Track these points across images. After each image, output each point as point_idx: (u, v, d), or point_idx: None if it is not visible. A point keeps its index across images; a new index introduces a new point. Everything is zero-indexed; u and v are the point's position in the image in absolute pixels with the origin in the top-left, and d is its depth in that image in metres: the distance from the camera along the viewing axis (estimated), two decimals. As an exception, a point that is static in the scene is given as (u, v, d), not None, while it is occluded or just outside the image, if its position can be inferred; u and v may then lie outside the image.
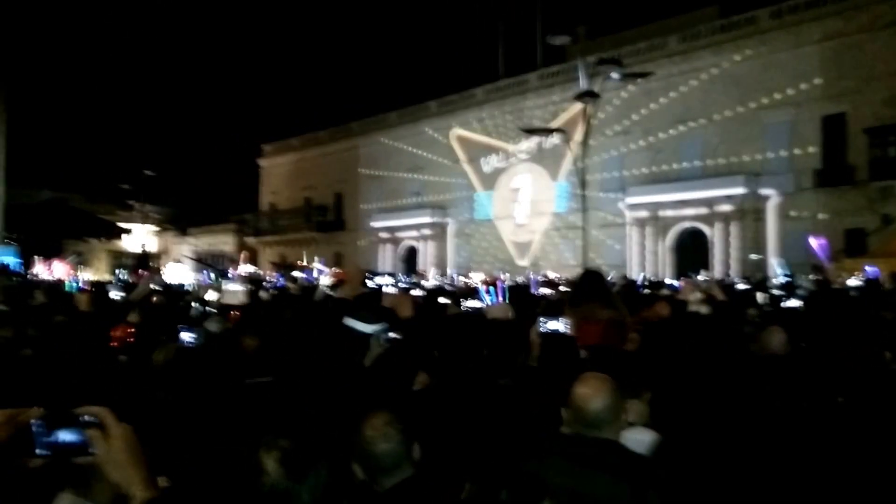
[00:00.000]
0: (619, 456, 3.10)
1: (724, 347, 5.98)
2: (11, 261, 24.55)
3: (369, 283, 7.27)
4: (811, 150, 36.44)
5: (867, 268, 20.62)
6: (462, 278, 29.19)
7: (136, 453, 2.00)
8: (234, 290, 9.46)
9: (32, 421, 1.87)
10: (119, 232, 37.87)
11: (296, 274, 25.40)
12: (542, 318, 5.70)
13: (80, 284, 20.84)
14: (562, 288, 18.51)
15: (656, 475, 3.10)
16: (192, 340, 7.02)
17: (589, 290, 6.75)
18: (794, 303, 12.91)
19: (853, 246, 30.79)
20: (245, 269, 30.31)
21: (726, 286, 16.32)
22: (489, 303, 10.33)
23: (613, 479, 3.00)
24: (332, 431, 2.39)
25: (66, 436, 1.90)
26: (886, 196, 33.54)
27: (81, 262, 43.51)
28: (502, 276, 28.46)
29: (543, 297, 13.03)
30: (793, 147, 37.07)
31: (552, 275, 29.52)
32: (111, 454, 1.94)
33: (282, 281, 23.33)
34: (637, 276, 32.13)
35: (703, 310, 8.07)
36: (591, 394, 3.23)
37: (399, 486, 2.97)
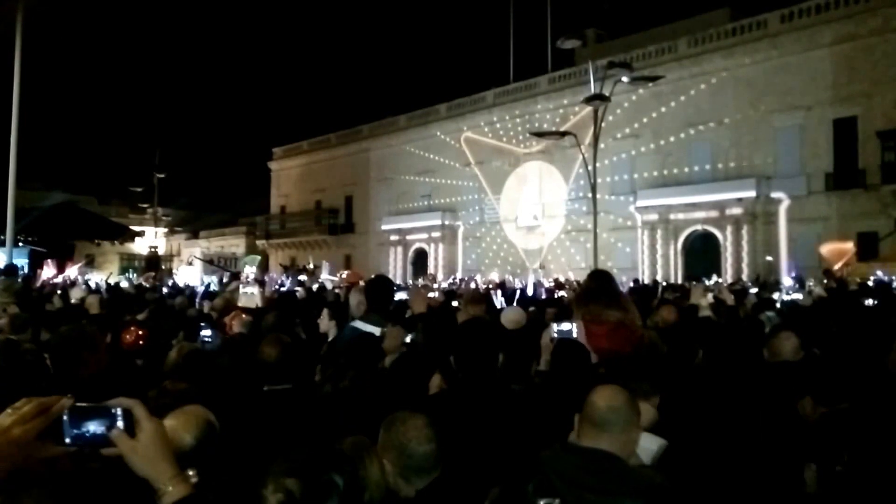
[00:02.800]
0: (612, 471, 3.08)
1: (736, 353, 5.97)
2: (23, 263, 24.60)
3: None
4: (822, 153, 36.39)
5: (879, 272, 20.57)
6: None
7: (166, 448, 2.00)
8: (250, 293, 9.45)
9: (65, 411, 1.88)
10: (132, 235, 37.87)
11: (302, 278, 25.36)
12: (554, 322, 5.71)
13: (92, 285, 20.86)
14: (570, 291, 18.53)
15: (643, 487, 3.08)
16: (209, 339, 7.07)
17: (597, 290, 6.72)
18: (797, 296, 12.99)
19: (865, 250, 30.70)
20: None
21: (737, 290, 16.28)
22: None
23: (592, 496, 3.00)
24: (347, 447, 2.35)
25: (95, 427, 1.91)
26: (899, 200, 33.48)
27: (91, 263, 43.64)
28: (509, 279, 28.45)
29: (558, 299, 13.03)
30: (804, 150, 37.01)
31: (562, 278, 29.50)
32: (141, 448, 1.94)
33: (288, 283, 23.30)
34: (647, 279, 32.10)
35: (713, 314, 8.06)
36: (602, 398, 3.24)
37: (430, 487, 3.02)
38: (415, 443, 3.07)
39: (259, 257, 32.71)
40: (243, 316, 8.85)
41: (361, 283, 12.82)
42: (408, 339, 6.19)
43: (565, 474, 3.03)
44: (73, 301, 11.93)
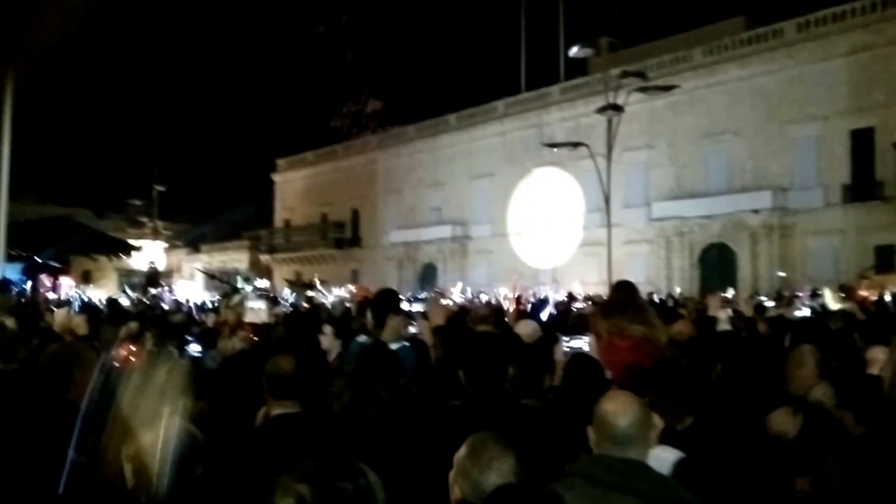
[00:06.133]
0: (644, 477, 3.09)
1: (757, 367, 5.93)
2: (15, 278, 24.59)
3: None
4: (839, 164, 36.39)
5: None
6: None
7: None
8: (257, 308, 9.40)
9: None
10: (129, 249, 37.86)
11: (310, 293, 25.35)
12: (564, 337, 5.67)
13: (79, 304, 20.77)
14: (579, 305, 18.51)
15: (682, 497, 3.08)
16: (199, 354, 7.02)
17: (623, 302, 6.68)
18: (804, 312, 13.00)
19: (882, 262, 30.68)
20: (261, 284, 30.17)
21: (755, 305, 16.22)
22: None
23: (638, 501, 2.99)
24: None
25: None
26: (918, 212, 33.38)
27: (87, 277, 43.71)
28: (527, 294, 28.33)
29: (574, 311, 13.01)
30: (821, 162, 37.04)
31: (575, 290, 29.40)
32: None
33: (291, 299, 23.30)
34: (662, 292, 31.98)
35: (731, 327, 8.01)
36: (619, 411, 3.22)
37: None
38: (484, 475, 2.99)
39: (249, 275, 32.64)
40: (250, 334, 8.78)
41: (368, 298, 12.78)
42: (412, 330, 6.17)
43: (605, 480, 3.02)
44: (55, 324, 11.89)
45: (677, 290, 36.09)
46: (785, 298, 20.60)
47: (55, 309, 14.22)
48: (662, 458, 3.39)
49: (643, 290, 28.85)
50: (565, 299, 23.53)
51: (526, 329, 7.43)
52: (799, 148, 37.70)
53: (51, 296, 21.93)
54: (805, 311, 13.73)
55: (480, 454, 3.05)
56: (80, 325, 10.84)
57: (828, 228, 36.25)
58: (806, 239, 37.41)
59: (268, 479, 2.25)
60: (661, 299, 23.85)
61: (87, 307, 17.73)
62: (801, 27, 38.16)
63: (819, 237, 36.67)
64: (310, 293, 25.64)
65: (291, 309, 17.40)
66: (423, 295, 25.43)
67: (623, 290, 7.03)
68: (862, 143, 35.72)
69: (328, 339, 7.64)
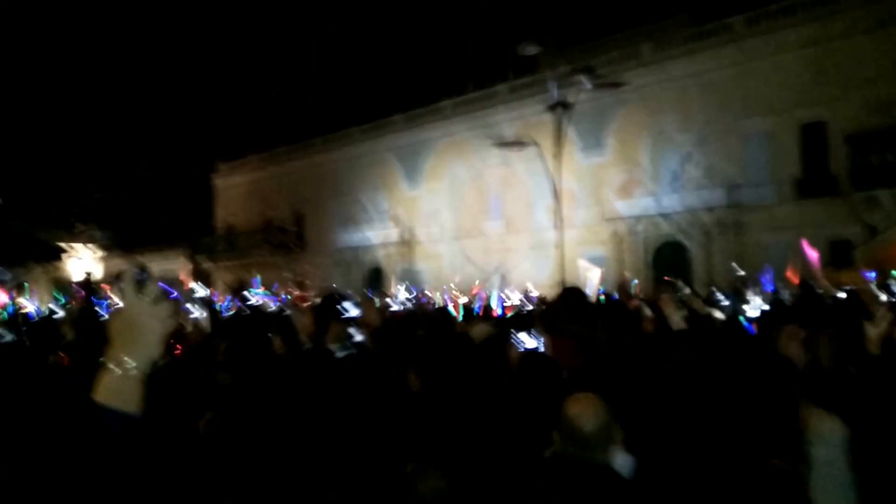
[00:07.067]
0: (603, 480, 3.08)
1: (709, 365, 5.96)
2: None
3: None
4: (792, 159, 36.81)
5: (867, 274, 20.59)
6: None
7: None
8: (197, 316, 9.22)
9: None
10: (61, 256, 37.43)
11: (253, 300, 25.07)
12: (515, 336, 5.66)
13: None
14: (530, 306, 18.55)
15: (639, 499, 3.09)
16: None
17: (564, 304, 6.71)
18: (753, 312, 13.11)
19: (839, 258, 30.95)
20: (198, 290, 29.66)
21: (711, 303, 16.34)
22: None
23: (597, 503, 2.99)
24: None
25: None
26: (871, 206, 33.82)
27: (20, 288, 42.90)
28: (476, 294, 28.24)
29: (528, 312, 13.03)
30: (773, 156, 37.43)
31: (530, 286, 29.44)
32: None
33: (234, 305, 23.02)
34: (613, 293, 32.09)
35: (684, 325, 8.02)
36: (583, 414, 3.21)
37: None
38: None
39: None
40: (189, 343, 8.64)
41: (306, 304, 12.65)
42: (358, 338, 6.15)
43: (568, 483, 3.02)
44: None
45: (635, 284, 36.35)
46: (740, 295, 20.74)
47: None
48: (621, 463, 3.39)
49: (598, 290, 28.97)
50: (518, 301, 23.54)
51: (475, 330, 7.41)
52: (751, 143, 38.11)
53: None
54: (765, 307, 13.81)
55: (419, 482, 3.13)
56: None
57: (782, 224, 36.55)
58: (760, 235, 37.75)
59: (213, 486, 2.19)
60: (612, 298, 23.90)
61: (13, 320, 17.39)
62: (751, 21, 38.57)
63: (773, 233, 36.97)
64: (252, 300, 25.36)
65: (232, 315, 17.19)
66: (354, 300, 25.20)
67: (567, 295, 7.09)
68: (814, 137, 36.17)
69: (277, 345, 7.57)
